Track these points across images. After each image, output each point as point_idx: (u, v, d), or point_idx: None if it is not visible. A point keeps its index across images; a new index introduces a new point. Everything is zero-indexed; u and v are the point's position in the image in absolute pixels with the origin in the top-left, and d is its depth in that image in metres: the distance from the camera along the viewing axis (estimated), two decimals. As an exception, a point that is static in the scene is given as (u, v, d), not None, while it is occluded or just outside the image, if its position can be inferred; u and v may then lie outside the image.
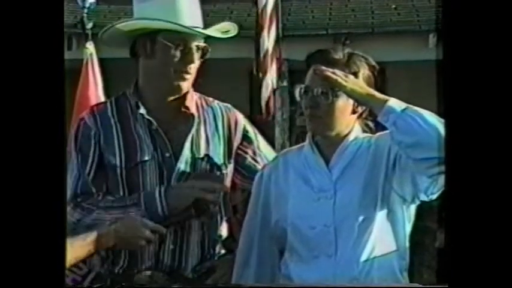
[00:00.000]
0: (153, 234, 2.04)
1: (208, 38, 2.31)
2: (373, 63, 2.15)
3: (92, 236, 1.98)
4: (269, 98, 4.90)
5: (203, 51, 2.28)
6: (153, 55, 2.25)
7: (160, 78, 2.27)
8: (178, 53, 2.24)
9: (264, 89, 4.89)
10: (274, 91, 4.92)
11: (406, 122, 1.91)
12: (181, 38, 2.23)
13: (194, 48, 2.25)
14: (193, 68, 2.27)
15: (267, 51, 4.90)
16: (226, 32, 2.38)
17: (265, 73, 4.91)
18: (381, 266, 2.06)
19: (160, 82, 2.28)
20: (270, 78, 4.92)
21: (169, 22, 2.20)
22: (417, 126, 1.89)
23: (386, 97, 1.98)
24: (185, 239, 2.28)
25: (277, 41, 5.06)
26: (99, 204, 2.24)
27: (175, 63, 2.24)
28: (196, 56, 2.26)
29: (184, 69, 2.25)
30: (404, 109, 1.93)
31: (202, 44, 2.27)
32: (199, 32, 2.26)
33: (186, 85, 2.28)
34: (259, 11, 4.97)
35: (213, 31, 2.32)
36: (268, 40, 4.93)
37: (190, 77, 2.28)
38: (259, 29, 4.94)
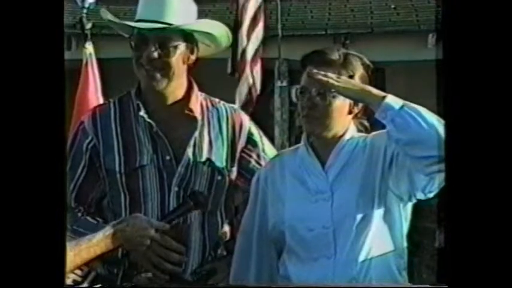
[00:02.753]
0: (158, 233, 2.03)
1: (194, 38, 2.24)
2: (368, 62, 2.14)
3: (98, 236, 1.95)
4: (246, 101, 4.78)
5: (184, 51, 2.21)
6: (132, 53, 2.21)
7: (138, 75, 2.23)
8: (149, 52, 2.17)
9: (238, 91, 4.78)
10: (252, 92, 4.77)
11: (404, 119, 1.89)
12: (154, 36, 2.16)
13: (171, 48, 2.18)
14: (168, 66, 2.19)
15: (244, 51, 4.80)
16: (214, 37, 2.30)
17: (242, 75, 4.76)
18: (379, 265, 2.05)
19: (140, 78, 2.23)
20: (248, 81, 4.75)
21: (122, 22, 2.18)
22: (415, 124, 1.88)
23: (383, 93, 1.96)
24: (185, 241, 2.27)
25: (263, 41, 4.98)
26: (73, 225, 2.19)
27: (147, 62, 2.18)
28: (173, 55, 2.19)
29: (153, 68, 2.18)
30: (402, 106, 1.91)
31: (180, 42, 2.20)
32: (157, 28, 2.16)
33: (162, 85, 2.21)
34: (239, 9, 4.90)
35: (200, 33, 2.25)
36: (248, 40, 4.84)
37: (164, 77, 2.20)
38: (236, 28, 4.76)
